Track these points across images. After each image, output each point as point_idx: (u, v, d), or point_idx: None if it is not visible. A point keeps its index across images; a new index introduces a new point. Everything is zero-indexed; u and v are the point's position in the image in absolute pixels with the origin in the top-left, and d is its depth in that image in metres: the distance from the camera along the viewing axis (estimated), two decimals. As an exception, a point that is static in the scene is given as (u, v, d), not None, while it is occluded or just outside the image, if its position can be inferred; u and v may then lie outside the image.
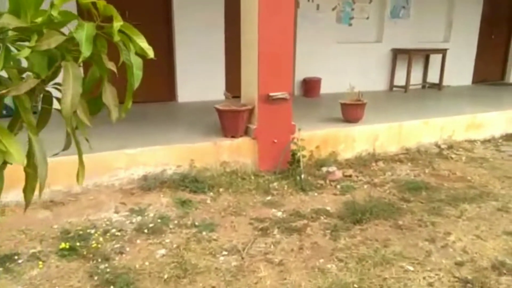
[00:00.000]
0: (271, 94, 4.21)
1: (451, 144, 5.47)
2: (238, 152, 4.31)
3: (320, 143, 4.70)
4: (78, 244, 2.91)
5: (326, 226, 3.33)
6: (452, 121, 5.55)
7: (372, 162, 4.85)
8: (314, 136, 4.66)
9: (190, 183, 3.95)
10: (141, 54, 1.18)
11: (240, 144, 4.32)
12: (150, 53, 1.15)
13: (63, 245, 2.88)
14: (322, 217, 3.50)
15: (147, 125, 4.93)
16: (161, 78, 6.45)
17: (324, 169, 4.49)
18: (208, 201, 3.75)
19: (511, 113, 6.05)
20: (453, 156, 5.14)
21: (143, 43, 1.15)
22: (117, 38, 1.06)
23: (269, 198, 3.88)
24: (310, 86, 7.16)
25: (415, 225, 3.36)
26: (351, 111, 4.99)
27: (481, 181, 4.34)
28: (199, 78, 6.42)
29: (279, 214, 3.57)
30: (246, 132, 4.40)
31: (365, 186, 4.21)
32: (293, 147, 4.36)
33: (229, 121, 4.25)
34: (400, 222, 3.39)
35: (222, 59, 6.62)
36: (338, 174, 4.40)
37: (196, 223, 3.31)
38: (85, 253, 2.83)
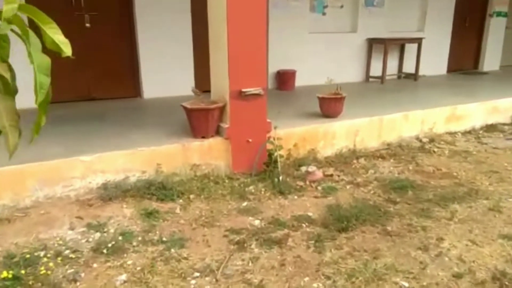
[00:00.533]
0: (243, 90, 3.84)
1: (432, 137, 5.26)
2: (210, 153, 3.94)
3: (298, 141, 4.38)
4: (23, 271, 2.48)
5: (309, 235, 3.01)
6: (432, 114, 5.33)
7: (353, 159, 4.57)
8: (292, 134, 4.33)
9: (156, 190, 3.56)
10: (55, 50, 0.79)
11: (212, 145, 3.94)
12: (67, 50, 0.76)
13: (5, 274, 2.44)
14: (304, 225, 3.18)
15: (106, 126, 4.47)
16: (123, 72, 5.97)
17: (303, 168, 4.18)
18: (178, 211, 3.36)
19: (490, 104, 5.90)
20: (436, 150, 4.92)
21: (56, 34, 0.76)
22: (6, 27, 0.68)
23: (245, 204, 3.53)
24: (284, 79, 6.82)
25: (404, 231, 3.08)
26: (329, 105, 4.68)
27: (468, 177, 4.13)
28: (166, 72, 5.96)
29: (257, 223, 3.22)
30: (218, 132, 4.02)
31: (348, 187, 3.92)
32: (269, 146, 4.02)
33: (198, 121, 3.86)
34: (389, 228, 3.11)
35: (191, 51, 6.18)
36: (319, 174, 4.09)
37: (164, 239, 2.93)
38: (31, 282, 2.41)
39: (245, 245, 2.88)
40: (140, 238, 2.92)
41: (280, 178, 3.87)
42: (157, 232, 3.02)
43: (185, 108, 3.88)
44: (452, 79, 8.32)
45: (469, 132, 5.66)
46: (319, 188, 3.86)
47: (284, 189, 3.74)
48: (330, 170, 4.24)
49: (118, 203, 3.42)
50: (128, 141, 3.85)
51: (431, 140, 5.17)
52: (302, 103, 5.63)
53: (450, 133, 5.49)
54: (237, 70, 3.82)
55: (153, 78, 5.92)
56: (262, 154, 4.02)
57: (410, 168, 4.37)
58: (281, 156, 4.05)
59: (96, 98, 5.74)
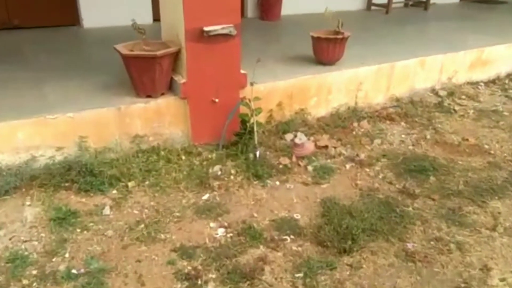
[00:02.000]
0: (206, 28, 2.61)
1: (451, 89, 4.18)
2: (159, 119, 2.80)
3: (283, 99, 3.26)
4: None
5: (295, 261, 2.04)
6: (454, 59, 4.19)
7: (353, 121, 3.50)
8: (275, 90, 3.20)
9: (79, 176, 2.48)
10: None
11: (161, 107, 2.79)
12: None
13: None
14: (288, 239, 2.20)
15: (15, 71, 3.20)
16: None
17: (289, 137, 3.13)
18: (107, 211, 2.32)
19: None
20: (457, 108, 3.88)
21: None
22: None
23: (206, 196, 2.51)
24: (268, 6, 5.46)
25: (432, 251, 2.14)
26: (327, 49, 3.48)
27: (504, 152, 3.15)
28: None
29: (220, 233, 2.23)
30: (171, 89, 2.86)
31: (348, 166, 2.91)
32: (243, 110, 2.90)
33: (140, 73, 2.67)
34: (410, 246, 2.16)
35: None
36: (309, 146, 3.05)
37: (74, 270, 1.91)
38: None
39: (199, 280, 1.90)
40: (35, 271, 1.90)
41: (257, 153, 2.81)
42: (67, 255, 2.00)
43: (120, 54, 2.66)
44: (467, 9, 7.01)
45: (493, 81, 4.59)
46: (310, 168, 2.84)
47: (262, 171, 2.72)
48: (324, 139, 3.19)
49: (19, 198, 2.35)
50: (37, 100, 2.67)
51: (450, 94, 4.10)
52: (290, 41, 4.41)
53: (472, 84, 4.41)
54: (197, -2, 2.57)
55: (97, 1, 4.51)
56: (234, 120, 2.91)
57: (428, 136, 3.35)
58: (260, 124, 2.96)
59: (19, 27, 4.36)
